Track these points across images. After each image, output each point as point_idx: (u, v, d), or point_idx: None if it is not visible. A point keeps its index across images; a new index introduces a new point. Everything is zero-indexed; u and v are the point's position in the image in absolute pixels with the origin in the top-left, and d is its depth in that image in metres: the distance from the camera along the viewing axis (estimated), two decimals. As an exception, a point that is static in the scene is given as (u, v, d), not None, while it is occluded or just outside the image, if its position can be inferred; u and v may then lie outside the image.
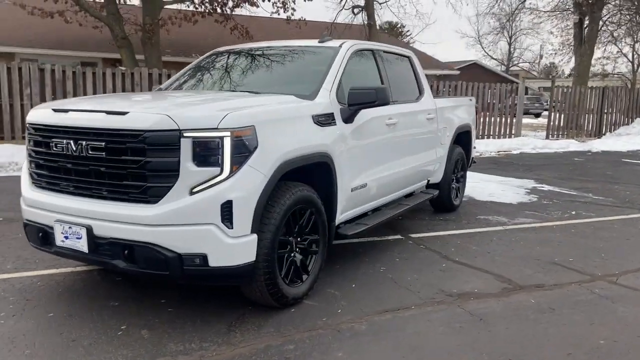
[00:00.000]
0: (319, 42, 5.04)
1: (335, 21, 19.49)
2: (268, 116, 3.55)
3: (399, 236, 5.80)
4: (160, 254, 3.18)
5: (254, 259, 3.39)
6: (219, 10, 16.51)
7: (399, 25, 59.30)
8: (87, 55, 19.72)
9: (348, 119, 4.34)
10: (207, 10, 16.41)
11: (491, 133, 18.30)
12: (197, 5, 16.36)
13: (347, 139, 4.33)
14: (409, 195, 6.09)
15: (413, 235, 5.85)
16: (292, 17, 17.54)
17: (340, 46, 4.80)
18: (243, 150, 3.29)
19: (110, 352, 3.13)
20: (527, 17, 42.07)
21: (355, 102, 4.33)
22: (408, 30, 63.05)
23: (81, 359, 3.05)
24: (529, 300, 4.09)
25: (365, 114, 4.61)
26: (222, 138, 3.21)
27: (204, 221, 3.20)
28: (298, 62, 4.90)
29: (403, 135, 5.35)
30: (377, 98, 4.34)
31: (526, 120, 34.78)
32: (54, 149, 3.49)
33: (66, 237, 3.44)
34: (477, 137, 17.61)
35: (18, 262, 4.65)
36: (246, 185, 3.29)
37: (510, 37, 59.31)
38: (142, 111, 3.31)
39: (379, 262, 4.88)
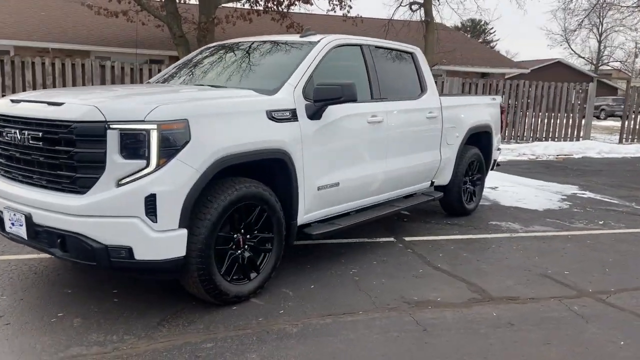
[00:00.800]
0: (300, 36, 4.94)
1: (393, 18, 19.13)
2: (205, 110, 3.52)
3: (391, 238, 5.60)
4: (87, 244, 3.24)
5: (183, 254, 3.38)
6: (274, 8, 16.67)
7: (482, 23, 57.51)
8: (155, 53, 20.59)
9: (314, 115, 4.23)
10: (263, 9, 16.63)
11: (555, 135, 17.33)
12: (252, 4, 16.61)
13: (313, 136, 4.22)
14: (410, 197, 5.87)
15: (407, 238, 5.62)
16: (349, 15, 17.41)
17: (319, 41, 4.68)
18: (172, 143, 3.27)
19: (34, 337, 3.23)
20: (609, 12, 39.44)
21: (321, 98, 4.21)
22: (492, 28, 61.04)
23: (1, 341, 3.16)
24: (491, 314, 3.81)
25: (338, 111, 4.49)
26: (148, 131, 3.21)
27: (128, 214, 3.22)
28: (274, 57, 4.83)
29: (393, 133, 5.15)
30: (342, 94, 4.19)
31: (609, 123, 32.77)
32: (5, 137, 3.64)
33: (12, 224, 3.59)
34: (539, 139, 16.79)
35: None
36: (173, 179, 3.27)
37: (600, 35, 55.88)
38: (75, 102, 3.39)
39: (354, 264, 4.73)
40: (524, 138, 16.97)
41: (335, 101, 4.23)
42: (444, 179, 6.29)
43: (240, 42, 5.26)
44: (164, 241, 3.28)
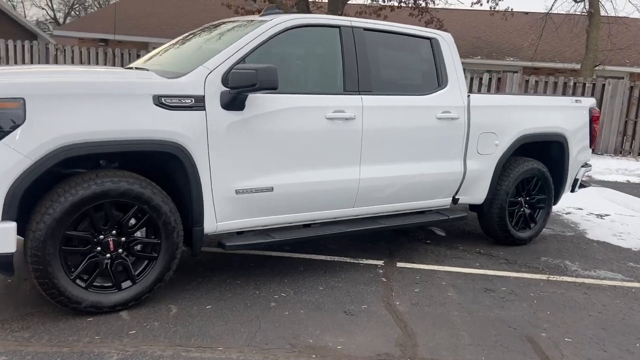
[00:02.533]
0: (260, 15, 4.26)
1: (551, 11, 16.74)
2: (51, 90, 3.06)
3: (379, 261, 4.62)
4: None
5: (12, 250, 3.00)
6: (411, 3, 15.74)
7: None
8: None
9: (231, 105, 3.56)
10: (398, 4, 15.81)
11: None
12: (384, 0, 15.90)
13: (229, 129, 3.56)
14: (420, 214, 4.82)
15: (399, 264, 4.59)
16: (496, 8, 15.74)
17: (269, 20, 3.96)
18: (-4, 124, 2.91)
19: None
20: None
21: (236, 85, 3.51)
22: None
23: None
24: (382, 381, 2.79)
25: (276, 102, 3.76)
26: (-30, 109, 2.89)
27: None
28: (222, 40, 4.20)
29: (374, 135, 4.21)
30: (256, 80, 3.45)
31: None
32: None
33: None
34: None
35: None
36: (-8, 166, 2.91)
37: None
38: None
39: (292, 287, 3.94)
40: None
41: (250, 89, 3.50)
42: (476, 196, 5.05)
43: (218, 23, 4.73)
44: (-19, 235, 2.93)
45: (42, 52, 14.66)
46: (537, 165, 5.32)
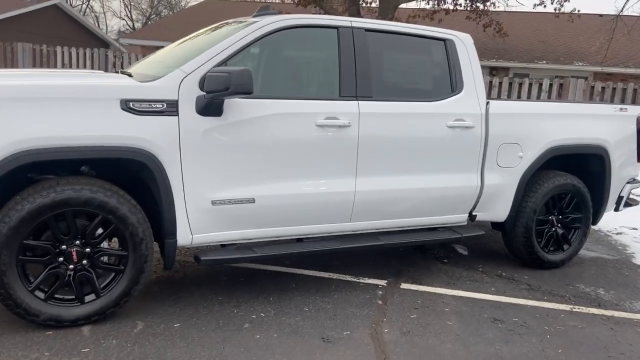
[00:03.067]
0: (253, 16, 4.03)
1: (622, 12, 15.53)
2: (8, 93, 2.93)
3: (380, 281, 4.25)
4: None
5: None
6: (467, 5, 15.11)
7: None
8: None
9: (207, 110, 3.33)
10: (453, 7, 15.22)
11: None
12: (436, 3, 15.32)
13: (205, 136, 3.35)
14: (431, 230, 4.42)
15: (403, 285, 4.20)
16: (562, 10, 14.82)
17: (259, 21, 3.72)
18: None
19: None
20: None
21: (211, 88, 3.29)
22: None
23: None
24: None
25: (259, 108, 3.52)
26: None
27: None
28: (212, 41, 3.95)
29: (373, 143, 3.87)
30: (230, 84, 3.21)
31: None
32: None
33: None
34: None
35: None
36: None
37: None
38: None
39: (276, 307, 3.66)
40: None
41: (224, 93, 3.26)
42: (496, 213, 4.58)
43: (219, 25, 4.53)
44: None
45: (102, 59, 15.19)
46: (572, 181, 4.77)
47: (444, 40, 4.34)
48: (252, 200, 3.55)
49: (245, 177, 3.52)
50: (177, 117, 3.29)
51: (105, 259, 3.28)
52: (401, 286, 4.18)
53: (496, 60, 16.71)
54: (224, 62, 3.49)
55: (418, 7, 16.50)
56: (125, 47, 23.85)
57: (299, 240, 3.93)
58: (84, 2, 43.88)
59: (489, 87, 10.98)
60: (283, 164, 3.62)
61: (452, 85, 4.30)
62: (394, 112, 3.97)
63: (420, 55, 4.34)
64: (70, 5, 29.53)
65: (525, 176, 4.54)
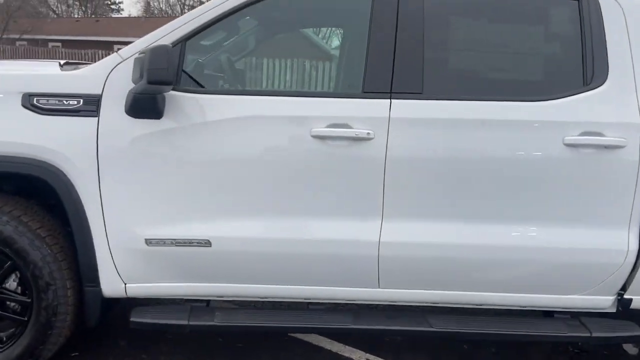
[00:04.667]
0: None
1: None
2: None
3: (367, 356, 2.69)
4: None
5: None
6: None
7: None
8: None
9: (138, 109, 2.31)
10: None
11: None
12: None
13: (135, 146, 2.36)
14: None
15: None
16: None
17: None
18: None
19: None
20: None
21: (134, 78, 2.27)
22: None
23: None
24: None
25: (220, 107, 2.42)
26: None
27: None
28: None
29: (409, 166, 2.39)
30: (144, 69, 2.15)
31: None
32: None
33: None
34: None
35: None
36: None
37: None
38: None
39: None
40: None
41: (143, 85, 2.20)
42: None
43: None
44: None
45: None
46: None
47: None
48: (207, 243, 2.41)
49: (196, 208, 2.41)
50: (96, 118, 2.34)
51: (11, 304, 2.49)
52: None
53: None
54: (179, 42, 2.42)
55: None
56: None
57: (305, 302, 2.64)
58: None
59: None
60: (255, 193, 2.41)
61: (587, 73, 2.49)
62: (460, 117, 2.41)
63: (524, 22, 2.64)
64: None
65: None
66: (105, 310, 2.56)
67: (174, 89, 2.35)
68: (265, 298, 2.60)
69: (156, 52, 2.13)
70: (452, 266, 2.48)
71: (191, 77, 2.54)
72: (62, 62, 2.61)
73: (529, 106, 2.44)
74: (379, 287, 2.53)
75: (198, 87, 2.50)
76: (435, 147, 2.40)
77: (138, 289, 2.49)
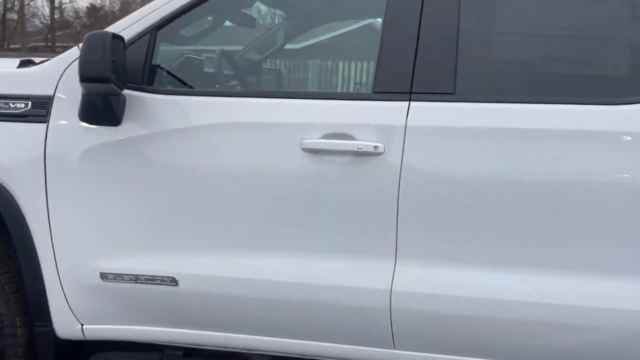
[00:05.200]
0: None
1: None
2: None
3: None
4: None
5: None
6: None
7: None
8: None
9: (92, 113, 1.87)
10: None
11: None
12: None
13: (87, 158, 1.92)
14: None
15: None
16: None
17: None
18: None
19: None
20: None
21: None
22: None
23: None
24: None
25: (191, 111, 1.92)
26: None
27: None
28: None
29: (431, 191, 1.77)
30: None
31: None
32: None
33: None
34: None
35: None
36: None
37: None
38: None
39: None
40: None
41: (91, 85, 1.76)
42: None
43: None
44: None
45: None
46: None
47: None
48: (173, 282, 1.92)
49: (160, 238, 1.93)
50: (45, 124, 1.93)
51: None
52: None
53: None
54: (141, 36, 1.96)
55: None
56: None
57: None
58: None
59: None
60: (234, 223, 1.89)
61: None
62: (513, 127, 1.75)
63: (594, 6, 1.92)
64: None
65: None
66: (66, 353, 2.14)
67: (140, 90, 1.90)
68: (248, 350, 2.07)
69: (90, 41, 1.67)
70: (497, 328, 1.83)
71: (172, 75, 2.09)
72: (24, 59, 2.25)
73: (597, 111, 1.74)
74: (394, 349, 1.92)
75: (167, 87, 2.03)
76: (472, 167, 1.76)
77: (97, 331, 2.05)
